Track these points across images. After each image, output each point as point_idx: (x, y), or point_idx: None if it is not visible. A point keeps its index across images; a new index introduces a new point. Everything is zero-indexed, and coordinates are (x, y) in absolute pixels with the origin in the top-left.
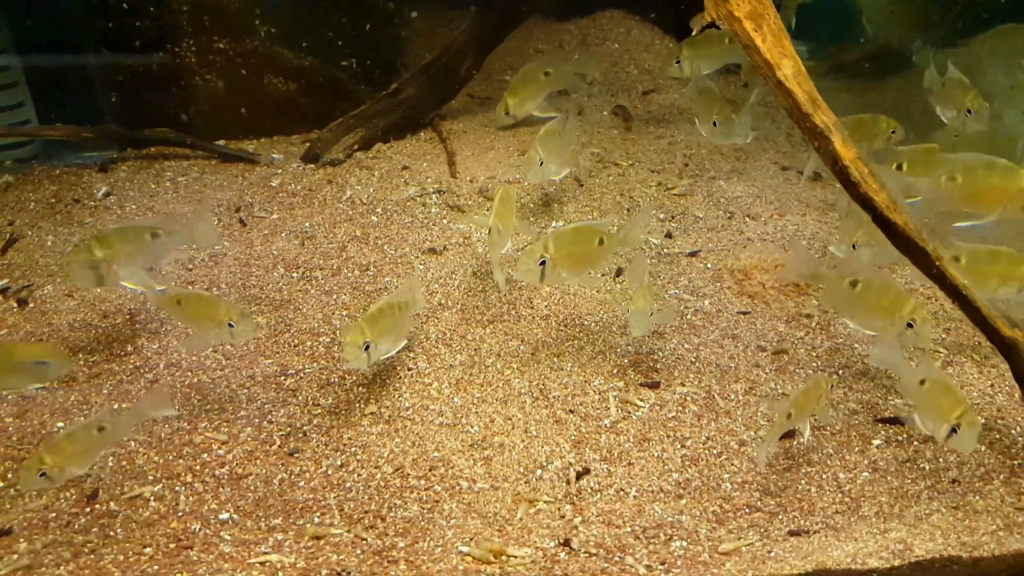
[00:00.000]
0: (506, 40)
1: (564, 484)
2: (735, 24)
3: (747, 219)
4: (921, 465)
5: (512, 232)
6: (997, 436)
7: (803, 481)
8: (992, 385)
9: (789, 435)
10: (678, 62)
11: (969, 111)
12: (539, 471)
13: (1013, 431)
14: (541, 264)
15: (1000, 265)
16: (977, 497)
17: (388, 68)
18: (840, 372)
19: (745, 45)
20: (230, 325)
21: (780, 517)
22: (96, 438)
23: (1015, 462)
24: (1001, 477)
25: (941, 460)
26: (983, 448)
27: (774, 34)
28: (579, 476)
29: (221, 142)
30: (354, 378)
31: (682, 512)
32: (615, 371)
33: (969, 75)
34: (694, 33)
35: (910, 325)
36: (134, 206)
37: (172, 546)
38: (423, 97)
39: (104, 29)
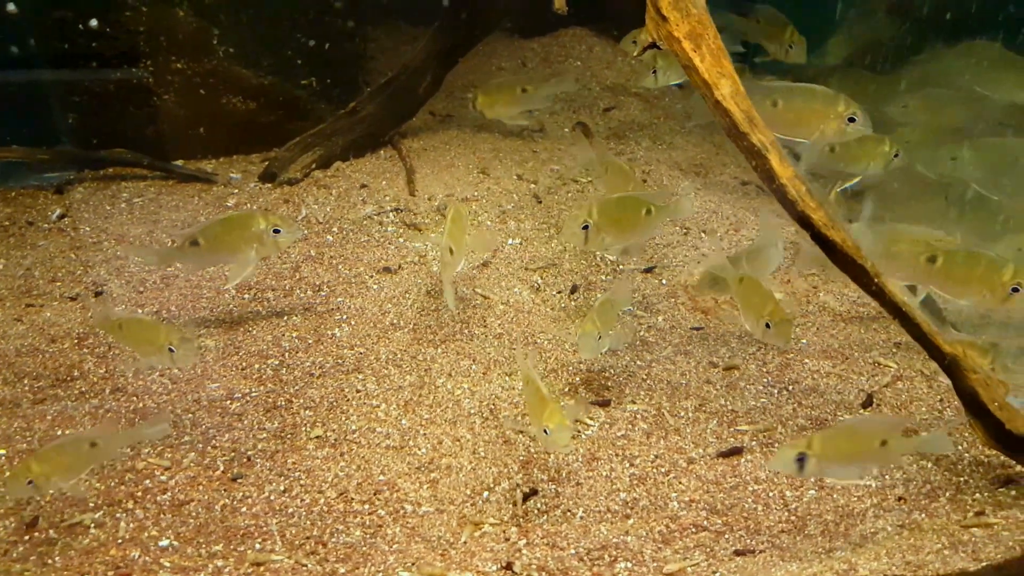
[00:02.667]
0: (470, 58)
1: (511, 506)
2: (674, 44)
3: (703, 234)
4: (867, 483)
5: (465, 251)
6: (944, 453)
7: (750, 499)
8: (941, 400)
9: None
10: (654, 72)
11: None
12: (486, 493)
13: (959, 447)
14: (584, 228)
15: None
16: (923, 515)
17: (349, 86)
18: (790, 388)
19: (684, 65)
20: (170, 350)
21: (726, 536)
22: (86, 453)
23: (961, 479)
24: (947, 495)
25: (887, 477)
26: (929, 465)
27: (713, 54)
28: (526, 497)
29: (180, 162)
30: (301, 401)
31: (628, 532)
32: (566, 389)
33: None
34: (635, 54)
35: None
36: (88, 228)
37: (110, 574)
38: (382, 115)
39: (60, 50)
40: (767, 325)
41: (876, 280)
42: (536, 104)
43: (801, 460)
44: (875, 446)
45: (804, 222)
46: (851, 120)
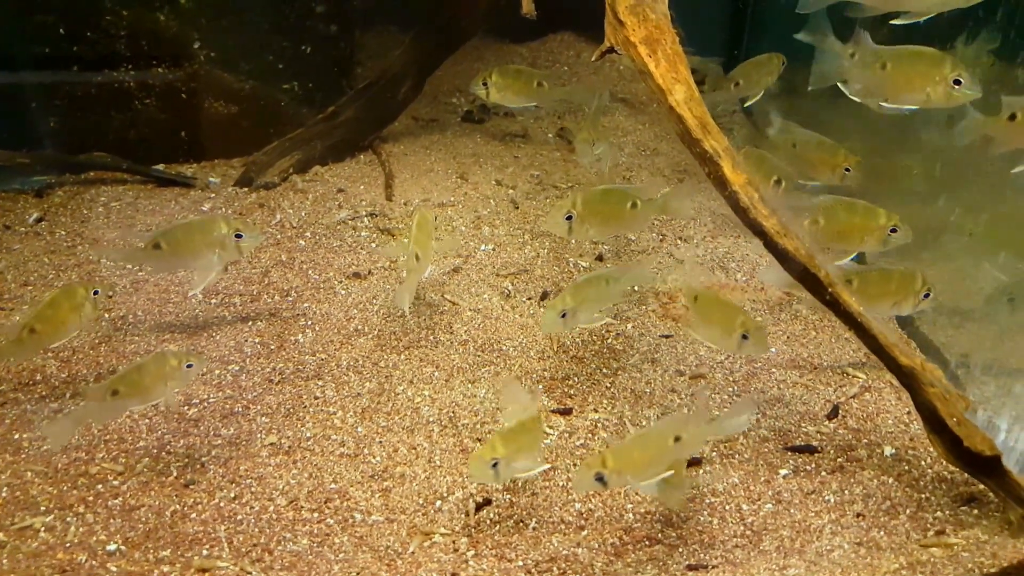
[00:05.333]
0: (456, 62)
1: (463, 516)
2: (631, 49)
3: (679, 241)
4: (826, 497)
5: (432, 257)
6: (906, 468)
7: (706, 512)
8: (909, 413)
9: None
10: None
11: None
12: (439, 502)
13: (923, 462)
14: (568, 219)
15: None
16: (881, 533)
17: (332, 91)
18: (755, 397)
19: (640, 71)
20: (95, 293)
21: (680, 550)
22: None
23: (922, 496)
24: (908, 512)
25: (847, 493)
26: (890, 480)
27: (669, 59)
28: (479, 507)
29: (161, 166)
30: (258, 408)
31: (580, 544)
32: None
33: None
34: (593, 59)
35: None
36: (64, 232)
37: None
38: (362, 120)
39: (41, 53)
40: (744, 336)
41: (830, 290)
42: (543, 102)
43: (600, 479)
44: (669, 444)
45: (756, 230)
46: (956, 82)
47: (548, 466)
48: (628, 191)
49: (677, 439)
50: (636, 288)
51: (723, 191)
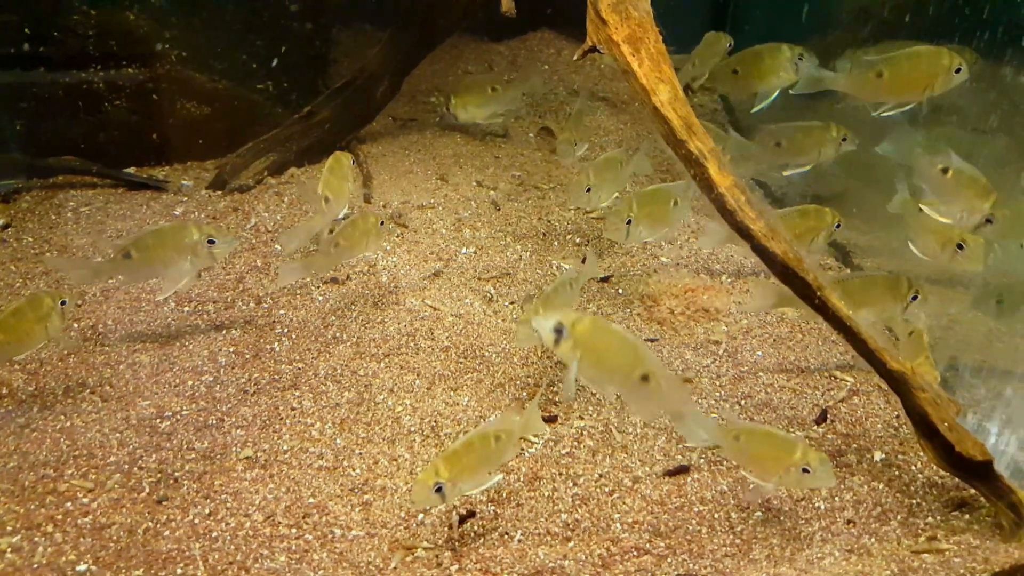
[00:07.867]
0: (435, 61)
1: (446, 529)
2: (613, 48)
3: (662, 243)
4: (816, 504)
5: (347, 200)
6: (896, 473)
7: (694, 521)
8: (898, 417)
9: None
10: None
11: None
12: (421, 515)
13: (913, 467)
14: (628, 223)
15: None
16: (872, 539)
17: (308, 90)
18: (743, 402)
19: (623, 70)
20: (63, 303)
21: (669, 560)
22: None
23: (913, 501)
24: (899, 518)
25: (837, 499)
26: (881, 486)
27: (652, 59)
28: (463, 520)
29: (132, 169)
30: (233, 420)
31: (566, 556)
32: (513, 405)
33: None
34: (575, 58)
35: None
36: (31, 239)
37: None
38: (338, 120)
39: (5, 54)
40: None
41: (819, 294)
42: (507, 104)
43: (439, 490)
44: (492, 445)
45: (744, 233)
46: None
47: (500, 476)
48: (670, 189)
49: (497, 438)
50: (621, 291)
51: (709, 194)
